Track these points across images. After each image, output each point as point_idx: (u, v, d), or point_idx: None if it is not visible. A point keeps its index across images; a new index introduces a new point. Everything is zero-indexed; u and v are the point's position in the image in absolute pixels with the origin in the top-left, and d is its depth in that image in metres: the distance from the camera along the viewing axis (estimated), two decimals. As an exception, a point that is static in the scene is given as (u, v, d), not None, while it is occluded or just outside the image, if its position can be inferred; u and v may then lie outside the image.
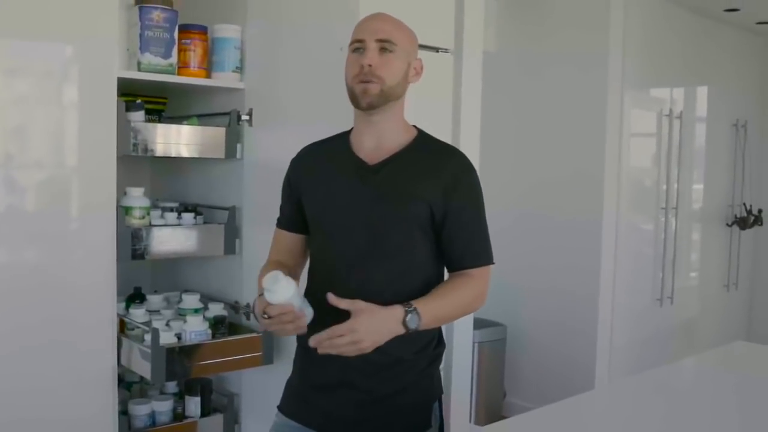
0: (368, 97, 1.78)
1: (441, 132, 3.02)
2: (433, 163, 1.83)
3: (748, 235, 5.45)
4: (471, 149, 3.13)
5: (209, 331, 2.74)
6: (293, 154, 2.01)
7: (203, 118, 2.98)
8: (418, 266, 1.82)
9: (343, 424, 1.83)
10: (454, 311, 1.86)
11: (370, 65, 1.77)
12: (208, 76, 2.88)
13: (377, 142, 1.85)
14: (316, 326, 1.74)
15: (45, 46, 2.46)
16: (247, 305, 2.89)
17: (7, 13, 2.34)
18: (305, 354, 1.89)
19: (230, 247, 2.90)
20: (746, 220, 5.29)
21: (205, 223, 2.94)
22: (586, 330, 4.22)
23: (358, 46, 1.79)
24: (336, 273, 1.82)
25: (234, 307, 2.94)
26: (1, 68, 2.38)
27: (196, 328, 2.70)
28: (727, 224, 5.29)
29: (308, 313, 1.73)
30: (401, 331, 1.69)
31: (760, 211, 5.33)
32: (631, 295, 4.46)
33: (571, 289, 4.26)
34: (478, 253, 1.84)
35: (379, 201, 1.80)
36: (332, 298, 1.69)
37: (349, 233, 1.82)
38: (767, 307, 5.57)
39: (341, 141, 1.91)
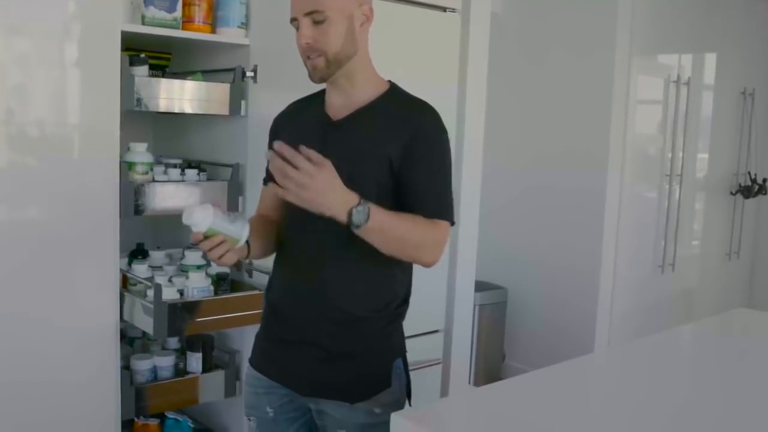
0: (317, 72, 1.77)
1: (447, 93, 3.02)
2: (398, 117, 1.78)
3: (752, 204, 5.44)
4: (477, 109, 3.13)
5: (211, 288, 2.75)
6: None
7: (207, 74, 2.95)
8: None
9: (302, 379, 1.84)
10: (405, 236, 1.72)
11: (307, 43, 1.74)
12: (213, 31, 2.85)
13: (345, 99, 1.83)
14: (284, 282, 1.85)
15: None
16: (250, 262, 2.90)
17: (11, -37, 2.31)
18: (270, 310, 1.93)
19: (233, 205, 2.89)
20: (750, 189, 5.28)
21: (208, 179, 2.93)
22: (586, 295, 4.23)
23: (295, 24, 1.77)
24: (296, 230, 1.81)
25: (236, 264, 2.93)
26: (4, 23, 2.36)
27: (198, 285, 2.71)
28: (731, 193, 5.28)
29: (238, 229, 1.69)
30: (343, 216, 1.62)
31: (764, 180, 5.31)
32: (633, 262, 4.46)
33: (573, 254, 4.27)
34: (434, 206, 1.77)
35: (337, 159, 1.75)
36: (304, 150, 1.62)
37: None
38: (768, 277, 5.58)
39: (318, 98, 1.90)
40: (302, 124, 1.90)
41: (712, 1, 4.78)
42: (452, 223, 1.80)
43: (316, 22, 1.73)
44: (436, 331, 3.13)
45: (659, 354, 2.20)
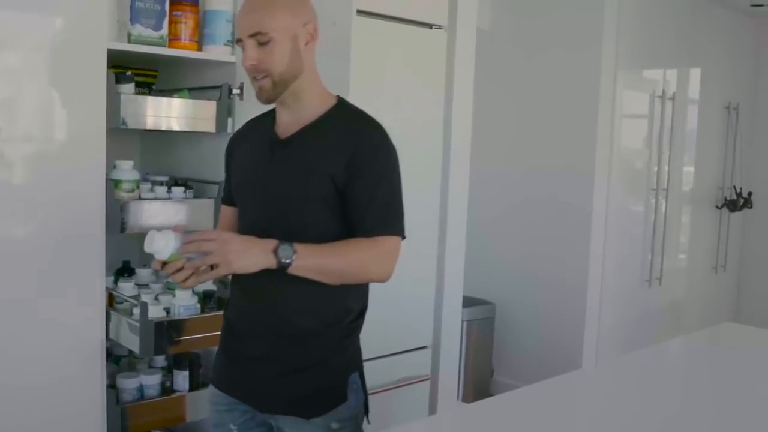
0: (263, 93, 1.79)
1: (433, 110, 3.03)
2: (342, 132, 1.78)
3: (738, 217, 5.47)
4: (463, 126, 3.14)
5: (198, 306, 2.73)
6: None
7: (194, 92, 2.95)
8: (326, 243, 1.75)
9: (258, 395, 1.85)
10: (342, 265, 1.74)
11: (252, 64, 1.75)
12: (200, 49, 2.85)
13: (292, 116, 1.84)
14: (239, 300, 1.88)
15: (34, 17, 2.42)
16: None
17: (-4, -19, 2.31)
18: (227, 327, 1.95)
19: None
20: (736, 203, 5.31)
21: (195, 197, 2.92)
22: (574, 309, 4.24)
23: (240, 45, 1.78)
24: None
25: (223, 281, 2.93)
26: (-11, 38, 2.35)
27: (185, 303, 2.69)
28: (717, 206, 5.31)
29: (200, 254, 1.69)
30: (272, 261, 1.65)
31: (749, 193, 5.35)
32: (620, 275, 4.47)
33: (561, 268, 4.28)
34: (376, 221, 1.75)
35: (282, 177, 1.80)
36: (196, 236, 1.69)
37: (256, 209, 1.86)
38: (755, 290, 5.60)
39: (270, 116, 1.92)
40: (253, 143, 1.92)
41: (696, 17, 4.83)
42: (402, 237, 1.79)
43: (261, 44, 1.74)
44: (423, 347, 3.13)
45: (647, 369, 2.21)
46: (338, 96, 1.88)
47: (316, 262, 1.70)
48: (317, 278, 1.72)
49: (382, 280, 1.79)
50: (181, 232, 1.70)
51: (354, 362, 1.87)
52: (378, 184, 1.76)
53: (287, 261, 1.65)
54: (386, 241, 1.76)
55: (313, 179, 1.75)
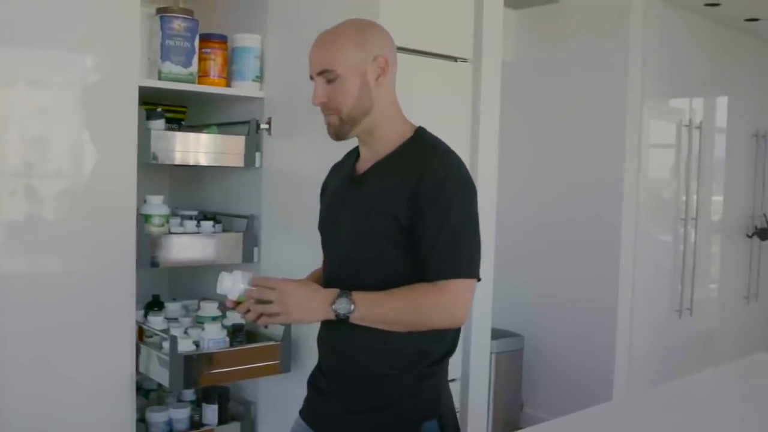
0: (332, 129, 1.77)
1: (459, 141, 3.03)
2: (407, 167, 1.71)
3: (769, 246, 5.41)
4: (490, 158, 3.14)
5: (227, 339, 2.74)
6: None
7: (223, 127, 2.99)
8: (394, 282, 1.68)
9: (331, 430, 1.83)
10: (404, 314, 1.66)
11: (322, 102, 1.75)
12: (228, 85, 2.90)
13: (370, 152, 1.82)
14: (320, 333, 1.87)
15: (67, 55, 2.48)
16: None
17: (29, 23, 2.36)
18: (320, 356, 1.92)
19: (249, 256, 2.90)
20: (766, 232, 5.25)
21: (223, 231, 2.94)
22: (604, 341, 4.19)
23: (313, 82, 1.78)
24: (326, 287, 1.79)
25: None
26: (23, 78, 2.40)
27: (214, 336, 2.70)
28: (747, 235, 5.25)
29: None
30: (330, 314, 1.64)
31: (780, 222, 5.29)
32: (650, 306, 4.43)
33: (590, 299, 4.24)
34: (441, 264, 1.66)
35: (350, 214, 1.79)
36: (261, 281, 1.71)
37: (332, 247, 1.86)
38: (788, 320, 5.52)
39: (357, 151, 1.91)
40: (339, 179, 1.91)
41: (722, 45, 4.82)
42: (477, 279, 1.70)
43: (329, 81, 1.73)
44: (452, 380, 3.09)
45: (679, 401, 2.18)
46: (418, 128, 1.83)
47: (376, 312, 1.66)
48: (380, 327, 1.68)
49: (453, 326, 1.74)
50: (250, 273, 1.73)
51: (431, 408, 1.76)
52: (442, 222, 1.66)
53: (345, 314, 1.64)
54: (453, 285, 1.66)
55: (376, 217, 1.71)
